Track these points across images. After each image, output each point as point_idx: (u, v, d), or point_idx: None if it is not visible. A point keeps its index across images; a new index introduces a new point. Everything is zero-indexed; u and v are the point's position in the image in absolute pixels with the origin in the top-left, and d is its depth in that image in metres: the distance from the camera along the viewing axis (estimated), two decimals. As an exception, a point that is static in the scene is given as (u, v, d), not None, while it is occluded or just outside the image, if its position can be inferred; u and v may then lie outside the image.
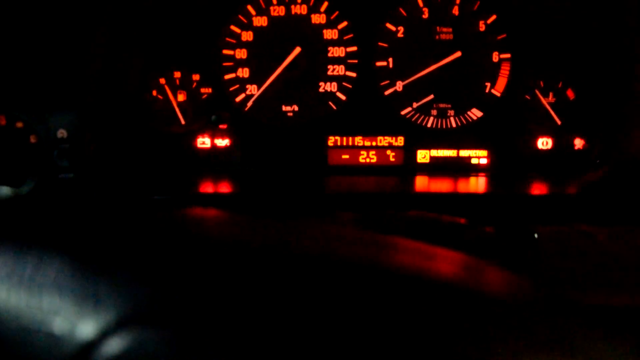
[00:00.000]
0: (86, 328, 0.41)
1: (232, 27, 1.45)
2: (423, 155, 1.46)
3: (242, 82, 1.47)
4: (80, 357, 0.40)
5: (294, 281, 0.40)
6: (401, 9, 1.43)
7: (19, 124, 1.27)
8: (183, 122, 1.47)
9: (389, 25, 1.44)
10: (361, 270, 0.40)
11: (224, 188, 1.36)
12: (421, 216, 0.99)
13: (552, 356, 0.33)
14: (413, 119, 1.46)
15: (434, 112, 1.46)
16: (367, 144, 1.46)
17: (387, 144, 1.46)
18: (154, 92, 1.47)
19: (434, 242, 0.45)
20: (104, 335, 0.40)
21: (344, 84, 1.46)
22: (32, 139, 1.27)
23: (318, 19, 1.44)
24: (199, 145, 1.48)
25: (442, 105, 1.45)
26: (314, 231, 0.47)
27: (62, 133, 1.25)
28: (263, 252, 0.45)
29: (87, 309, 0.42)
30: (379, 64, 1.45)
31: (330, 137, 1.46)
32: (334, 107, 1.47)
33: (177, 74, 1.47)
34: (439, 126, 1.46)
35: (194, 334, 0.38)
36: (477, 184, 1.39)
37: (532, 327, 0.35)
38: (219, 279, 0.41)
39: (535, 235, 1.10)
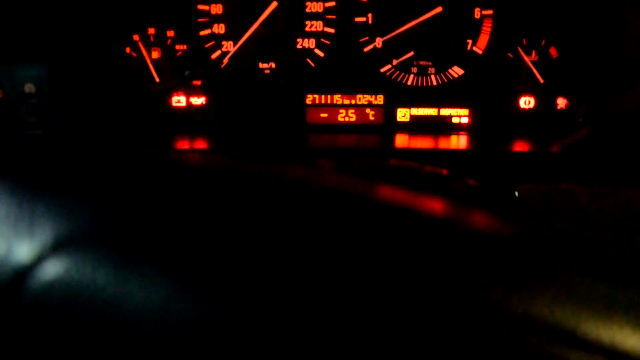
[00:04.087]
0: (22, 252, 0.39)
1: (207, -19, 1.41)
2: (403, 114, 1.43)
3: (218, 39, 1.42)
4: (16, 282, 0.38)
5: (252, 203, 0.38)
6: (381, -37, 1.39)
7: (-16, 79, 1.23)
8: (157, 79, 1.43)
9: (368, -20, 1.40)
10: (344, 199, 0.38)
11: (201, 145, 1.33)
12: (403, 164, 0.97)
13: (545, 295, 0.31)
14: (393, 77, 1.43)
15: (414, 69, 1.42)
16: (346, 102, 1.43)
17: (366, 102, 1.42)
18: (127, 49, 1.42)
19: (415, 189, 0.43)
20: (39, 259, 0.38)
21: (322, 40, 1.42)
22: (-2, 94, 1.23)
23: (295, -28, 1.40)
24: (174, 104, 1.44)
25: (422, 63, 1.42)
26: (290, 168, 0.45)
27: (29, 88, 1.21)
28: (214, 170, 0.43)
29: (22, 231, 0.40)
30: (358, 19, 1.41)
31: (309, 95, 1.43)
32: (312, 65, 1.43)
33: (151, 30, 1.42)
34: (419, 84, 1.43)
35: (132, 256, 0.36)
36: (459, 141, 1.36)
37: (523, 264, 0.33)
38: (160, 198, 0.39)
39: (516, 193, 1.08)
